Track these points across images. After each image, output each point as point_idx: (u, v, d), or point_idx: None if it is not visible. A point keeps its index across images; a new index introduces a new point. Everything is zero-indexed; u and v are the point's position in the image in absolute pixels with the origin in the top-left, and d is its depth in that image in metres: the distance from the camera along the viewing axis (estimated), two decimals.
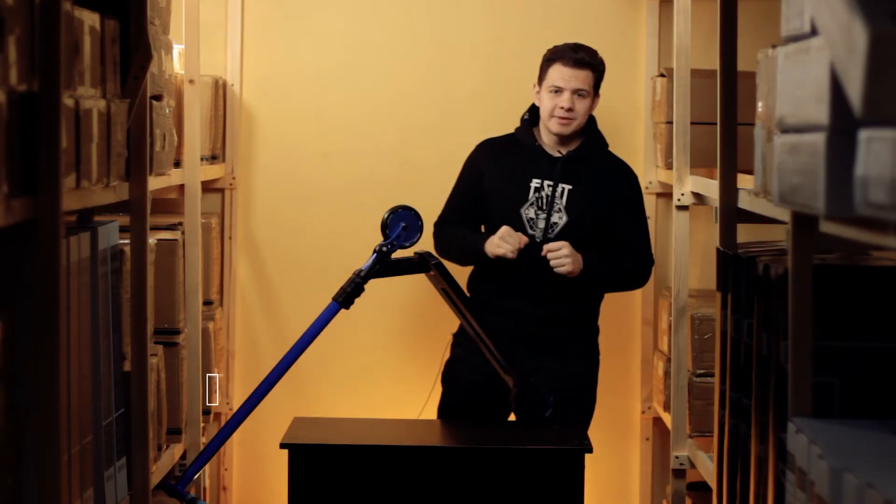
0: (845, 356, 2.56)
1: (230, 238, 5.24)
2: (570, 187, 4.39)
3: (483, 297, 4.39)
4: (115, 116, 2.95)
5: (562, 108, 4.37)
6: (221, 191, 5.23)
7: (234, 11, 5.20)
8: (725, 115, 3.59)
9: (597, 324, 4.54)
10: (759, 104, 3.06)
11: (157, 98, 3.61)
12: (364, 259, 4.26)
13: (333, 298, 4.16)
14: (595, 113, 5.10)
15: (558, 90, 4.39)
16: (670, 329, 4.66)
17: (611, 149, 5.20)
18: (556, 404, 4.26)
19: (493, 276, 4.39)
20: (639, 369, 5.26)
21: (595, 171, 4.44)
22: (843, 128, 1.96)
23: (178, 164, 4.32)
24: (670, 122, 4.70)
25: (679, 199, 4.57)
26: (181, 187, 4.45)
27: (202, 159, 4.61)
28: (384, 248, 4.17)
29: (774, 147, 2.42)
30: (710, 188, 4.09)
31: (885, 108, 1.76)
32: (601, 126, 5.22)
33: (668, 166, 4.82)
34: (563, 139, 4.43)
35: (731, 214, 3.54)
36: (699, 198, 4.44)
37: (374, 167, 5.24)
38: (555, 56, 4.44)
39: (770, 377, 2.84)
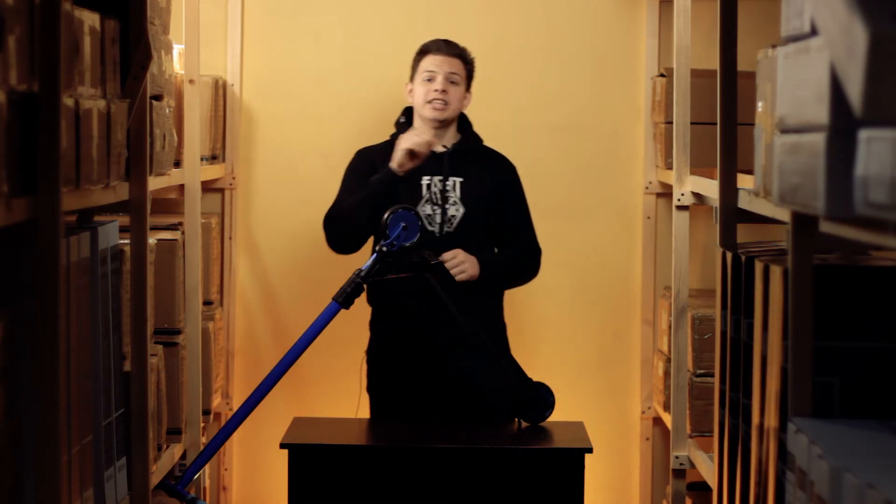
0: (845, 356, 2.56)
1: (230, 238, 5.24)
2: (461, 180, 4.41)
3: (383, 301, 4.38)
4: (115, 116, 2.95)
5: (436, 90, 4.40)
6: (221, 191, 5.23)
7: (234, 11, 5.20)
8: (725, 115, 3.59)
9: (504, 319, 4.52)
10: (759, 104, 3.06)
11: (157, 98, 3.61)
12: (364, 259, 4.26)
13: (333, 298, 4.16)
14: (595, 112, 5.11)
15: (431, 77, 4.43)
16: (670, 329, 4.66)
17: (611, 149, 5.21)
18: (488, 399, 4.28)
19: (396, 281, 4.33)
20: (639, 369, 5.26)
21: (479, 163, 4.47)
22: (843, 128, 1.96)
23: (178, 164, 4.32)
24: (670, 122, 4.70)
25: (679, 199, 4.57)
26: (181, 187, 4.45)
27: (202, 159, 4.61)
28: (384, 248, 4.17)
29: (774, 147, 2.42)
30: (710, 188, 4.09)
31: (885, 108, 1.76)
32: (601, 126, 5.23)
33: (668, 166, 4.82)
34: (439, 131, 4.44)
35: (731, 214, 3.54)
36: (699, 198, 4.44)
37: None
38: (425, 49, 4.50)
39: (770, 377, 2.84)
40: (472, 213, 4.40)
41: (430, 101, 4.42)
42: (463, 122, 4.54)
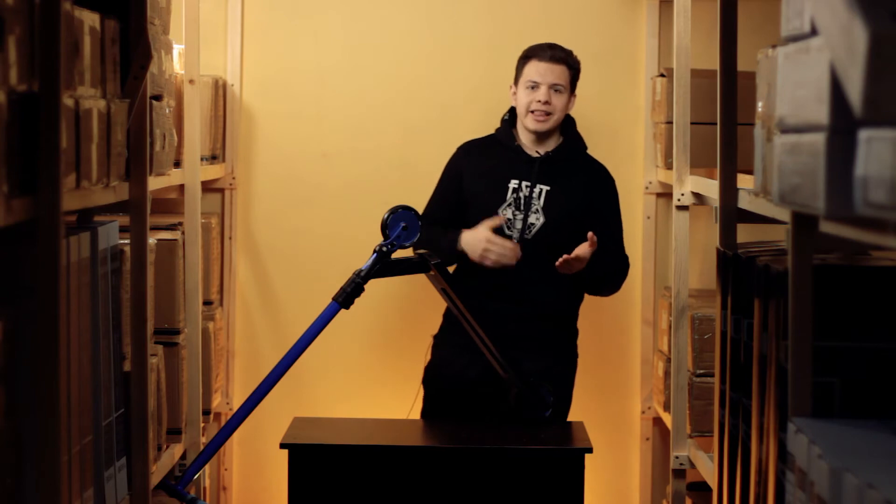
0: (845, 356, 2.56)
1: (230, 238, 5.24)
2: (548, 188, 4.40)
3: (462, 288, 4.39)
4: (115, 116, 2.95)
5: (538, 101, 4.38)
6: (221, 191, 5.23)
7: (234, 11, 5.20)
8: (725, 115, 3.59)
9: (576, 326, 4.53)
10: (759, 104, 3.07)
11: (157, 98, 3.61)
12: (364, 259, 4.26)
13: (333, 298, 4.16)
14: (595, 112, 5.11)
15: (535, 85, 4.41)
16: (670, 329, 4.66)
17: (611, 149, 5.20)
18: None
19: (473, 275, 4.38)
20: (639, 369, 5.26)
21: (573, 173, 4.45)
22: (843, 128, 1.96)
23: (178, 164, 4.32)
24: (670, 122, 4.70)
25: (679, 199, 4.57)
26: (181, 187, 4.45)
27: (202, 159, 4.61)
28: (384, 248, 4.17)
29: (774, 147, 2.42)
30: (710, 188, 4.09)
31: (885, 108, 1.76)
32: (601, 126, 5.23)
33: (668, 166, 4.82)
34: (540, 137, 4.44)
35: (731, 214, 3.54)
36: (699, 198, 4.44)
37: (374, 167, 5.24)
38: (530, 53, 4.47)
39: (770, 377, 2.84)
40: (552, 224, 4.37)
41: (532, 112, 4.40)
42: (567, 124, 4.51)
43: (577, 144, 4.51)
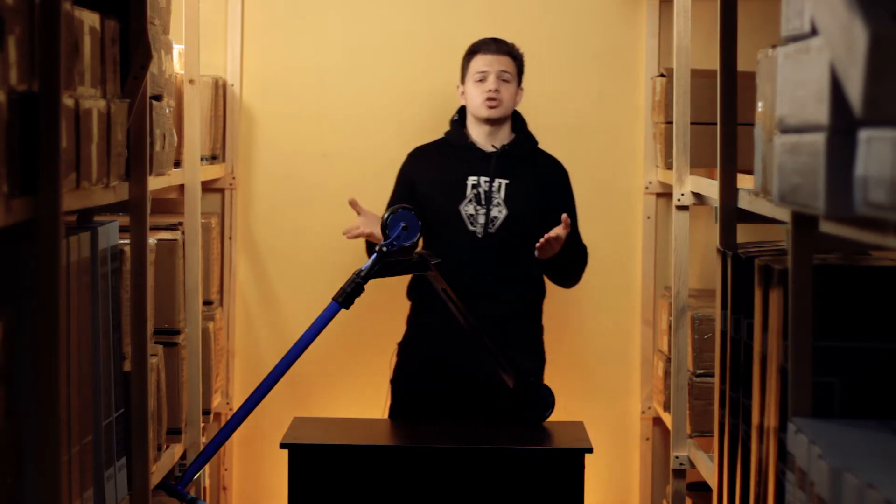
0: (845, 356, 2.56)
1: (230, 238, 5.24)
2: (507, 182, 4.43)
3: (424, 296, 4.39)
4: (115, 116, 2.95)
5: (489, 90, 4.42)
6: (221, 191, 5.23)
7: (234, 11, 5.20)
8: (725, 115, 3.59)
9: (541, 322, 4.54)
10: (759, 104, 3.07)
11: (157, 98, 3.61)
12: (364, 259, 4.26)
13: (333, 298, 4.16)
14: (595, 112, 5.10)
15: (483, 76, 4.46)
16: (670, 329, 4.66)
17: (611, 149, 5.20)
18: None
19: (443, 275, 4.37)
20: (639, 369, 5.26)
21: (529, 166, 4.50)
22: (843, 128, 1.96)
23: (178, 164, 4.32)
24: (670, 122, 4.70)
25: (679, 199, 4.58)
26: (181, 187, 4.45)
27: (202, 159, 4.61)
28: (384, 249, 4.17)
29: (774, 147, 2.42)
30: (710, 188, 4.09)
31: (885, 108, 1.76)
32: (601, 126, 5.23)
33: (668, 166, 4.82)
34: (493, 129, 4.46)
35: (731, 214, 3.54)
36: (699, 198, 4.44)
37: (374, 167, 5.23)
38: (475, 49, 4.54)
39: (770, 377, 2.84)
40: (515, 216, 4.40)
41: (483, 102, 4.44)
42: (517, 122, 4.54)
43: (529, 140, 4.56)
